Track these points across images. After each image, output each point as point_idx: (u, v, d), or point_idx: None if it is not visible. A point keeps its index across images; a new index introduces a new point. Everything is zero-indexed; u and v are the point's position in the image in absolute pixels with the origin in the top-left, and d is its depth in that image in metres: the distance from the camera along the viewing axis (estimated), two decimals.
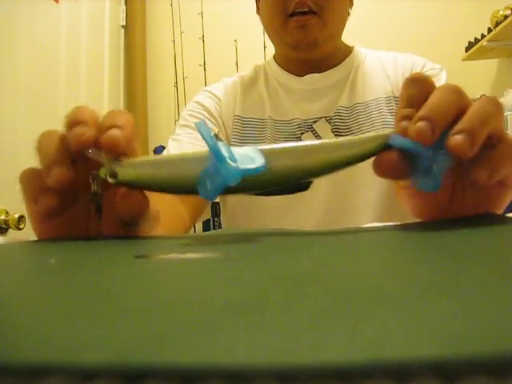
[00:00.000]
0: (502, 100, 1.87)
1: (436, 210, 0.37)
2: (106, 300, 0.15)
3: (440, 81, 0.76)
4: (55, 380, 0.09)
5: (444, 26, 2.14)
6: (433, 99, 0.32)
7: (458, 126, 0.30)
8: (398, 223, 0.37)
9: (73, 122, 0.33)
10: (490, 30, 1.89)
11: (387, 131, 0.34)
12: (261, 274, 0.18)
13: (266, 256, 0.25)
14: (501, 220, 0.32)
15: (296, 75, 0.81)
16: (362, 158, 0.33)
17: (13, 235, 1.22)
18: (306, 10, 0.72)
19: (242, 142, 0.79)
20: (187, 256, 0.25)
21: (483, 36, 1.93)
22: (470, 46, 2.01)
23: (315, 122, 0.77)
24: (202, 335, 0.10)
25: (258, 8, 0.82)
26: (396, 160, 0.32)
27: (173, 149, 0.76)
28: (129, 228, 0.35)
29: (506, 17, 1.80)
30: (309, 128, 0.77)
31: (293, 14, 0.72)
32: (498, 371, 0.08)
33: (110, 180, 0.31)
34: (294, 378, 0.08)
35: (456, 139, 0.30)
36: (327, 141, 0.33)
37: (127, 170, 0.31)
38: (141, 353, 0.09)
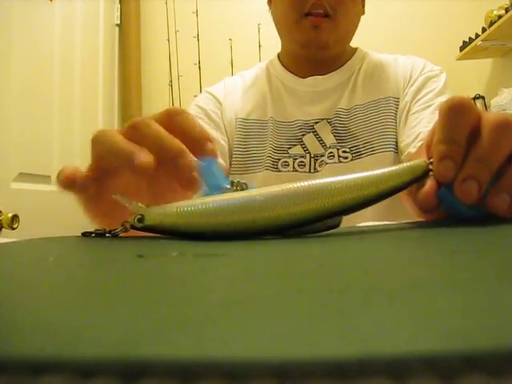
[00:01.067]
0: (497, 99, 1.88)
1: (442, 216, 0.37)
2: (103, 295, 0.15)
3: (439, 82, 0.76)
4: (53, 375, 0.09)
5: (439, 25, 2.15)
6: (481, 149, 0.31)
7: (466, 171, 0.30)
8: (396, 222, 0.37)
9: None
10: (484, 30, 1.90)
11: (419, 162, 0.33)
12: (258, 271, 0.18)
13: (264, 254, 0.25)
14: (500, 218, 0.32)
15: (299, 76, 0.82)
16: (393, 192, 0.32)
17: (6, 235, 1.22)
18: (321, 11, 0.72)
19: (245, 144, 0.79)
20: (186, 253, 0.25)
21: (477, 35, 1.94)
22: (465, 45, 2.02)
23: (317, 123, 0.78)
24: (198, 331, 0.10)
25: (269, 0, 0.83)
26: (434, 197, 0.32)
27: None
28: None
29: (500, 16, 1.81)
30: (310, 129, 0.77)
31: (307, 14, 0.73)
32: (496, 367, 0.08)
33: (137, 224, 0.33)
34: (290, 372, 0.08)
35: (464, 188, 0.30)
36: (359, 176, 0.32)
37: (153, 216, 0.33)
38: (138, 348, 0.09)
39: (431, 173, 0.32)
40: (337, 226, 0.32)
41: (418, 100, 0.74)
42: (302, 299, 0.13)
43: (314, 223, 0.32)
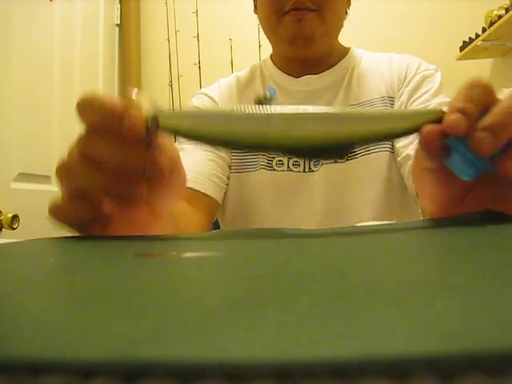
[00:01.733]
0: None
1: (449, 200, 0.36)
2: (103, 297, 0.15)
3: (435, 82, 0.76)
4: (53, 375, 0.09)
5: (439, 25, 2.15)
6: (502, 108, 0.31)
7: (483, 123, 0.30)
8: (396, 222, 0.37)
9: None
10: (484, 30, 1.90)
11: (435, 107, 0.32)
12: (258, 271, 0.18)
13: (264, 254, 0.25)
14: (501, 217, 0.32)
15: (292, 76, 0.81)
16: (407, 132, 0.32)
17: (6, 235, 1.22)
18: (303, 8, 0.72)
19: None
20: (185, 254, 0.25)
21: (477, 35, 1.94)
22: (465, 45, 2.02)
23: None
24: (198, 331, 0.10)
25: (255, 7, 0.82)
26: (438, 136, 0.31)
27: None
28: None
29: (500, 16, 1.81)
30: None
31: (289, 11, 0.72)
32: (495, 367, 0.08)
33: (153, 127, 0.33)
34: (291, 373, 0.08)
35: (479, 137, 0.30)
36: (374, 111, 0.32)
37: (168, 120, 0.33)
38: (137, 349, 0.09)
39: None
40: (343, 157, 0.33)
41: (414, 101, 0.73)
42: (302, 300, 0.13)
43: (324, 150, 0.32)
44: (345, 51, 0.84)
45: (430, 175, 0.37)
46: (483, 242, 0.24)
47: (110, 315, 0.12)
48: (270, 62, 0.85)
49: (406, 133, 0.32)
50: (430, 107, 0.34)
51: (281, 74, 0.83)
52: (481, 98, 0.32)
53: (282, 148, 0.32)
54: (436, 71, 0.78)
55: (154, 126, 0.32)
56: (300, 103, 0.79)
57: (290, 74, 0.82)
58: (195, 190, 0.71)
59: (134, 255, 0.24)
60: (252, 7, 0.84)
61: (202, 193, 0.72)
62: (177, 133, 0.33)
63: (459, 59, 2.08)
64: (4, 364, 0.09)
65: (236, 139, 0.32)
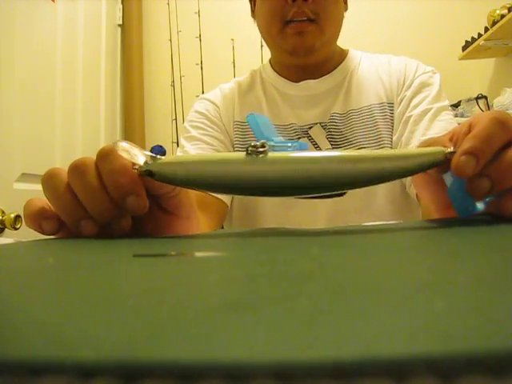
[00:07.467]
0: (499, 99, 1.88)
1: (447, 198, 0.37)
2: (103, 297, 0.15)
3: (434, 85, 0.75)
4: (52, 377, 0.09)
5: (441, 25, 2.15)
6: (477, 132, 0.31)
7: (463, 147, 0.31)
8: (397, 222, 0.37)
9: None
10: (486, 29, 1.90)
11: (438, 149, 0.33)
12: (258, 272, 0.18)
13: (263, 254, 0.25)
14: (500, 219, 0.32)
15: (292, 81, 0.81)
16: (410, 172, 0.33)
17: (9, 235, 1.22)
18: (304, 18, 0.72)
19: (245, 146, 0.79)
20: (184, 254, 0.25)
21: (480, 35, 1.93)
22: (467, 45, 2.02)
23: (310, 127, 0.78)
24: (198, 332, 0.10)
25: (252, 11, 0.82)
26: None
27: None
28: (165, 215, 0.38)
29: (502, 16, 1.80)
30: (305, 134, 0.78)
31: (290, 21, 0.72)
32: (495, 369, 0.08)
33: (147, 178, 0.33)
34: (290, 374, 0.08)
35: (461, 161, 0.30)
36: (377, 152, 0.33)
37: (163, 169, 0.33)
38: (137, 350, 0.09)
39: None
40: (342, 194, 0.33)
41: (415, 106, 0.73)
42: (301, 300, 0.13)
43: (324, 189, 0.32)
44: (343, 54, 0.83)
45: (428, 177, 0.38)
46: (483, 242, 0.24)
47: (110, 315, 0.12)
48: (269, 67, 0.85)
49: (409, 173, 0.33)
50: (433, 148, 0.34)
51: (280, 79, 0.83)
52: (501, 143, 0.32)
53: (276, 191, 0.32)
54: (434, 73, 0.77)
55: (150, 177, 0.33)
56: (300, 108, 0.79)
57: (289, 79, 0.82)
58: (206, 194, 0.72)
59: (134, 255, 0.24)
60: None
61: (213, 197, 0.72)
62: (172, 182, 0.33)
63: (461, 59, 2.07)
64: (4, 364, 0.09)
65: (232, 184, 0.32)
